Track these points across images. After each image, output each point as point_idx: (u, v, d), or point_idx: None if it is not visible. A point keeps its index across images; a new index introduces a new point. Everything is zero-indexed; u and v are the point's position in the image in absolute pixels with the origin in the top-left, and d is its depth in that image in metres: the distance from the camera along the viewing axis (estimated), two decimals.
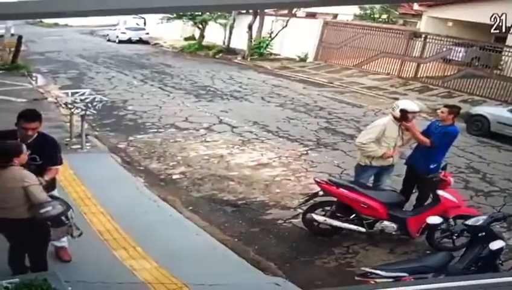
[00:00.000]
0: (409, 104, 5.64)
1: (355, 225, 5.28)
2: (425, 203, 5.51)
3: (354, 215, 5.30)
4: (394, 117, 5.44)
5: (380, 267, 4.07)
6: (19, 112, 4.17)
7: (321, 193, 5.41)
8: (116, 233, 5.07)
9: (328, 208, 5.41)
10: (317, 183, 5.46)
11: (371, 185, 5.74)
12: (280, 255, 5.11)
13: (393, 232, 5.27)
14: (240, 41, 22.69)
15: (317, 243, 5.37)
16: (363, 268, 4.08)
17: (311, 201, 5.48)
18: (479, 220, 4.35)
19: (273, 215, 5.93)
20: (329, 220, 5.31)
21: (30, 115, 4.12)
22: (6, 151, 3.79)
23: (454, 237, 4.97)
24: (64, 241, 4.51)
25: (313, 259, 5.03)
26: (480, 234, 4.24)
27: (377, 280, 3.80)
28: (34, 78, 14.34)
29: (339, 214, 5.34)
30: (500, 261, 4.28)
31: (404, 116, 5.39)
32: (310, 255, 5.10)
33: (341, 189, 5.27)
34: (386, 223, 5.25)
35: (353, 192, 5.27)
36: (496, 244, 4.14)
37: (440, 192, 5.21)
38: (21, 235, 3.90)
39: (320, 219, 5.38)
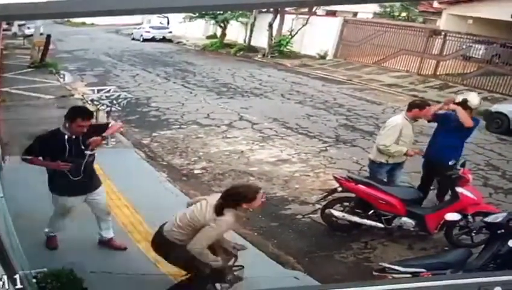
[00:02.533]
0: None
1: (373, 220, 5.25)
2: (444, 200, 5.44)
3: (372, 211, 5.26)
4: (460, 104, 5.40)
5: (398, 262, 4.03)
6: (71, 111, 4.44)
7: (340, 189, 5.38)
8: (139, 226, 5.12)
9: (347, 204, 5.38)
10: (336, 179, 5.43)
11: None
12: (299, 249, 5.10)
13: (412, 229, 5.21)
14: (260, 39, 22.63)
15: (336, 238, 5.35)
16: (381, 263, 4.04)
17: (330, 197, 5.46)
18: (498, 217, 4.27)
19: (292, 211, 5.91)
20: (348, 216, 5.28)
21: (87, 113, 4.47)
22: (246, 196, 3.84)
23: (473, 234, 4.90)
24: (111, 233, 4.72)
25: (331, 254, 5.01)
26: (499, 231, 4.15)
27: (395, 276, 3.77)
28: (61, 76, 14.54)
29: (357, 210, 5.31)
30: None
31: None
32: (329, 250, 5.08)
33: (359, 185, 5.23)
34: (404, 219, 5.20)
35: (371, 188, 5.23)
36: None
37: (459, 189, 5.14)
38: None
39: (339, 214, 5.35)
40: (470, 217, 5.03)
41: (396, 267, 3.88)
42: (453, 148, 5.39)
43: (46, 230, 4.80)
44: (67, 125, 4.35)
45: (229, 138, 8.81)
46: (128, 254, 4.66)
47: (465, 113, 5.34)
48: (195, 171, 6.99)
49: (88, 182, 4.53)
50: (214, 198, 3.82)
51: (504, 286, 1.73)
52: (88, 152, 4.42)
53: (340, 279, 4.44)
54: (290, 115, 10.55)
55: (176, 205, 5.78)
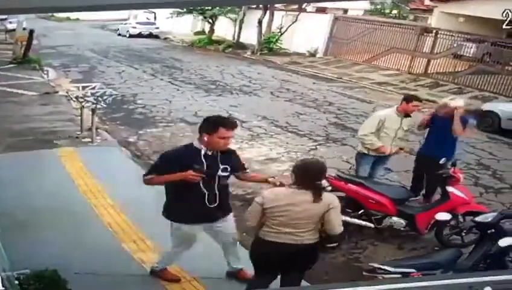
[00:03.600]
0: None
1: (363, 220, 5.26)
2: (435, 200, 5.48)
3: (362, 210, 5.28)
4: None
5: (388, 263, 4.05)
6: (209, 120, 3.82)
7: (329, 188, 5.39)
8: (125, 226, 5.09)
9: None
10: (326, 178, 5.44)
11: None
12: None
13: (402, 228, 5.24)
14: (249, 36, 22.67)
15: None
16: (371, 264, 4.06)
17: None
18: (488, 217, 4.31)
19: None
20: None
21: (231, 123, 3.81)
22: (322, 170, 3.50)
23: (463, 234, 4.94)
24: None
25: (320, 254, 5.02)
26: (489, 231, 4.20)
27: (385, 276, 3.79)
28: (45, 72, 14.44)
29: (347, 210, 5.32)
30: (510, 259, 4.24)
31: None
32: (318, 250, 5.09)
33: (349, 184, 5.25)
34: (394, 219, 5.22)
35: (362, 187, 5.24)
36: (505, 242, 4.10)
37: (449, 188, 5.17)
38: (295, 260, 3.58)
39: None
40: (460, 216, 5.08)
41: (386, 267, 3.89)
42: (444, 146, 5.45)
43: (156, 264, 4.36)
44: (205, 138, 3.74)
45: None
46: (114, 254, 4.62)
47: (459, 122, 5.41)
48: None
49: (221, 208, 3.97)
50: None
51: (494, 286, 1.76)
52: (226, 173, 3.86)
53: (330, 279, 4.46)
54: (280, 113, 10.57)
55: (162, 205, 5.76)
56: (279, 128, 9.50)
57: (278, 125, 9.70)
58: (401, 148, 5.76)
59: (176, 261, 4.34)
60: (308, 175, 3.42)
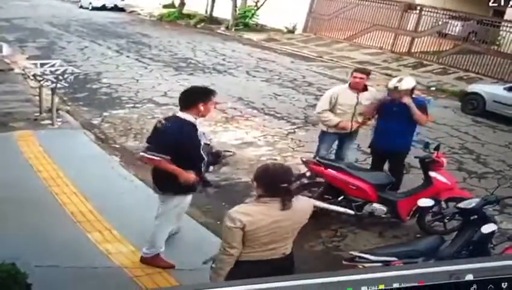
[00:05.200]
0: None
1: (343, 207, 5.33)
2: (417, 185, 5.58)
3: (342, 197, 5.35)
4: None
5: (368, 251, 4.13)
6: (203, 90, 4.28)
7: (308, 173, 5.45)
8: (90, 215, 5.05)
9: (316, 189, 5.45)
10: (305, 163, 5.49)
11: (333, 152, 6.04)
12: None
13: (383, 215, 5.34)
14: (223, 10, 22.46)
15: (304, 225, 5.43)
16: (351, 252, 4.13)
17: (298, 182, 5.52)
18: (471, 203, 4.41)
19: None
20: (317, 202, 5.36)
21: (214, 90, 4.24)
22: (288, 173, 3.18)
23: (446, 221, 5.06)
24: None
25: (299, 242, 5.09)
26: (472, 217, 4.31)
27: (366, 265, 3.86)
28: None
29: (326, 196, 5.39)
30: (492, 245, 4.38)
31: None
32: (296, 239, 5.16)
33: (329, 169, 5.30)
34: (375, 205, 5.31)
35: (342, 173, 5.31)
36: (487, 228, 4.22)
37: (432, 173, 5.28)
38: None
39: None
40: (443, 202, 5.19)
41: (366, 256, 3.96)
42: (399, 135, 5.43)
43: (145, 250, 4.35)
44: (202, 108, 3.98)
45: None
46: (78, 245, 4.60)
47: (416, 108, 5.33)
48: None
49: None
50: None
51: (476, 274, 1.82)
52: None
53: (308, 269, 4.53)
54: (256, 93, 10.57)
55: (129, 192, 5.74)
56: (256, 110, 9.51)
57: (254, 107, 9.71)
58: (359, 122, 5.80)
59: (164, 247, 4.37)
60: (275, 179, 3.09)
